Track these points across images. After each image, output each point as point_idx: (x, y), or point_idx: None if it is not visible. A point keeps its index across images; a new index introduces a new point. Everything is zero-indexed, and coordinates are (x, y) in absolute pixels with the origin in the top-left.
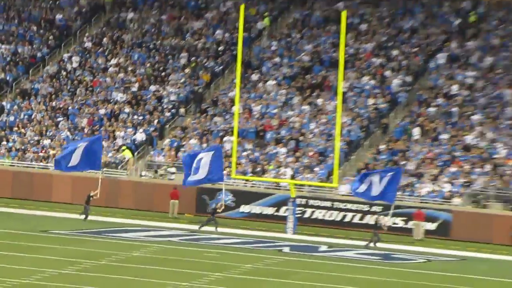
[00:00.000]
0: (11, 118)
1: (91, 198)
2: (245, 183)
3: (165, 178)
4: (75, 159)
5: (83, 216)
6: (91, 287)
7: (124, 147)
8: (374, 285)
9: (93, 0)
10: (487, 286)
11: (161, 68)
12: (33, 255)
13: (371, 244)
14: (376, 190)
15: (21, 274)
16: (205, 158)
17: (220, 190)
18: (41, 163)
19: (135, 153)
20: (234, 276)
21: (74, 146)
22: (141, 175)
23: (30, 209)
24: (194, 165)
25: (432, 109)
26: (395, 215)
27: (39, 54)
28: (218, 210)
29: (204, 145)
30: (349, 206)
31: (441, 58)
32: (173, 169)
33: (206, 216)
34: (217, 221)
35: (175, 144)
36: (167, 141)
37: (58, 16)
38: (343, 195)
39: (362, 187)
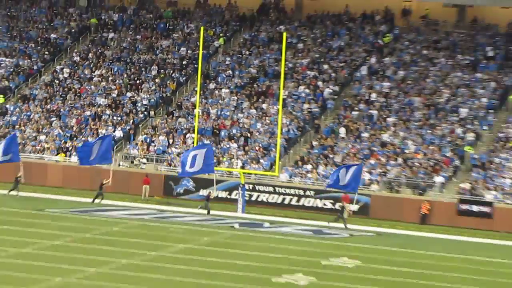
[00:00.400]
0: (14, 118)
1: (103, 185)
2: None
3: (139, 167)
4: (93, 154)
5: (97, 200)
6: (77, 254)
7: None
8: (307, 254)
9: (81, 22)
10: (400, 257)
11: (135, 78)
12: (30, 229)
13: (340, 220)
14: (343, 180)
15: (20, 244)
16: (199, 154)
17: (183, 178)
18: (38, 154)
19: (115, 147)
20: (195, 246)
21: (91, 144)
22: (119, 165)
23: (28, 191)
24: (190, 159)
25: (355, 113)
26: (326, 198)
27: (36, 66)
28: (211, 197)
29: (171, 141)
30: (287, 190)
31: (363, 71)
32: (144, 160)
33: (173, 199)
34: (209, 206)
35: (147, 140)
36: (140, 137)
37: (52, 35)
38: (283, 182)
39: (335, 181)
